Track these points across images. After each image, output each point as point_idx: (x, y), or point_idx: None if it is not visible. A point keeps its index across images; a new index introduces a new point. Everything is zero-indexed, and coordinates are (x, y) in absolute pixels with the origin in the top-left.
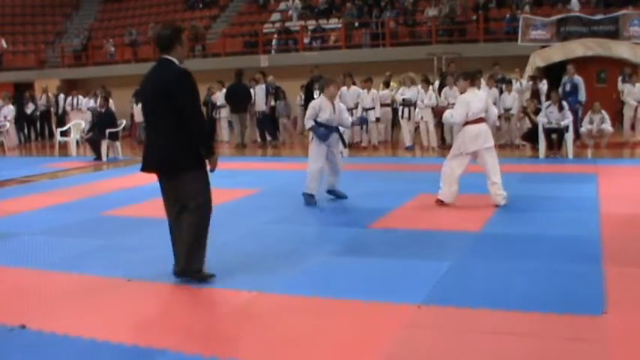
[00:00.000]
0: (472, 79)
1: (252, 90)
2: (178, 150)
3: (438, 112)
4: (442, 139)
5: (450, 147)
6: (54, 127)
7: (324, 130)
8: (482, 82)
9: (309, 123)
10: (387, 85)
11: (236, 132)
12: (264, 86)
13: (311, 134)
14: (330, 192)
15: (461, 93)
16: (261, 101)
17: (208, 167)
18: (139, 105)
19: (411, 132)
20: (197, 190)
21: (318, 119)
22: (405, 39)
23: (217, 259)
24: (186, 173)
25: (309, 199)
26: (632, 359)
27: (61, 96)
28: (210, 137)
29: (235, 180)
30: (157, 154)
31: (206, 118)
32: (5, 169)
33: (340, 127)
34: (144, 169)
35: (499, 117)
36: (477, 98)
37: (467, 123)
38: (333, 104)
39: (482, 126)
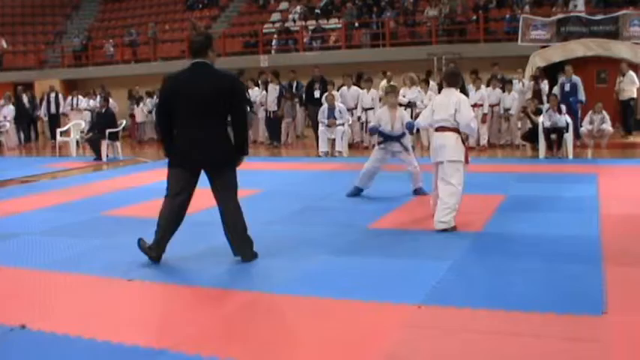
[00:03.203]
0: (448, 78)
1: (256, 89)
2: (229, 147)
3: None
4: None
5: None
6: (49, 128)
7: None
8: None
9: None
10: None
11: None
12: (277, 87)
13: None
14: (415, 191)
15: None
16: (272, 101)
17: None
18: (140, 106)
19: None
20: (236, 180)
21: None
22: (405, 39)
23: (217, 258)
24: (231, 167)
25: (354, 191)
26: (632, 359)
27: (52, 95)
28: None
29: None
30: (208, 151)
31: None
32: (5, 169)
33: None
34: (189, 165)
35: (499, 117)
36: (443, 102)
37: (435, 130)
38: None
39: (442, 136)
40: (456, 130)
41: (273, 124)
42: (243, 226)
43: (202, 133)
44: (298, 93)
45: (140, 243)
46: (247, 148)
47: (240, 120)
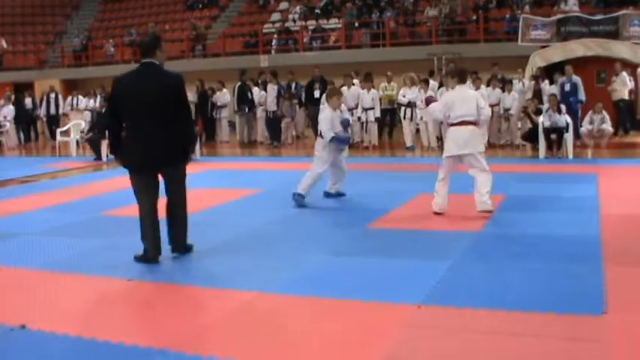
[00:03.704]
0: (460, 75)
1: (256, 89)
2: (178, 145)
3: (427, 100)
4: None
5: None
6: (47, 129)
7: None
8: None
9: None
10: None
11: (239, 132)
12: (276, 87)
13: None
14: (329, 194)
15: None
16: (272, 101)
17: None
18: None
19: (412, 132)
20: (185, 174)
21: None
22: (405, 39)
23: (217, 258)
24: (181, 164)
25: (301, 200)
26: (632, 359)
27: (52, 95)
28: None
29: (237, 180)
30: (160, 151)
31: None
32: (5, 169)
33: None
34: (144, 171)
35: (499, 117)
36: (462, 98)
37: (452, 124)
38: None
39: (466, 130)
40: (476, 123)
41: (273, 124)
42: (184, 220)
43: (153, 133)
44: (297, 93)
45: (136, 257)
46: (191, 147)
47: (185, 119)
